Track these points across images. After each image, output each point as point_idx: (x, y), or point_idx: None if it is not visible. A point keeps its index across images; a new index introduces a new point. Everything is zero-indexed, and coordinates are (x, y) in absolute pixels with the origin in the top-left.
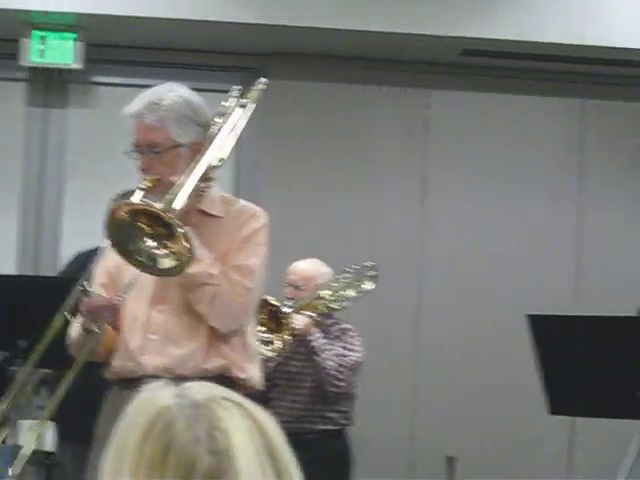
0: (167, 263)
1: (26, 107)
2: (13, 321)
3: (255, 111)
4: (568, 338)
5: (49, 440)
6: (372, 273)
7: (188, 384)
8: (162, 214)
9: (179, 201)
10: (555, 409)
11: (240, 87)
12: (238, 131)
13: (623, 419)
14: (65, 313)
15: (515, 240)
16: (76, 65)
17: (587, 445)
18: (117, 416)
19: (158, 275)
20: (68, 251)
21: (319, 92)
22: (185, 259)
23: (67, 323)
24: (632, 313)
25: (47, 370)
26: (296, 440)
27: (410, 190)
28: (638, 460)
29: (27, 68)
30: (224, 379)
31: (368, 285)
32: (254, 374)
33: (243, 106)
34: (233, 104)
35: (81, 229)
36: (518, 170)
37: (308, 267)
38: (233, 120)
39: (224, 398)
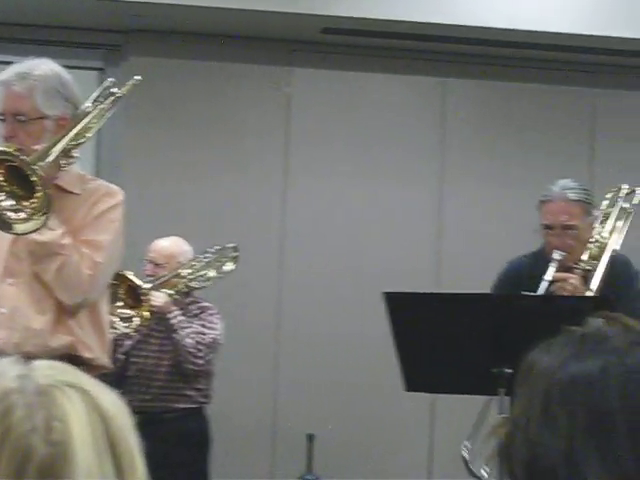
0: (18, 223)
1: None
2: None
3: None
4: (423, 315)
5: None
6: (233, 254)
7: (37, 363)
8: (29, 164)
9: (50, 157)
10: (411, 386)
11: (114, 79)
12: (106, 116)
13: (478, 395)
14: None
15: (377, 218)
16: None
17: (447, 423)
18: None
19: (4, 231)
20: None
21: (182, 69)
22: (38, 220)
23: None
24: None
25: None
26: (154, 419)
27: (272, 169)
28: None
29: None
30: (70, 358)
31: (229, 266)
32: (102, 354)
33: (113, 95)
34: (105, 93)
35: None
36: (380, 147)
37: (169, 245)
38: (103, 106)
39: (68, 384)
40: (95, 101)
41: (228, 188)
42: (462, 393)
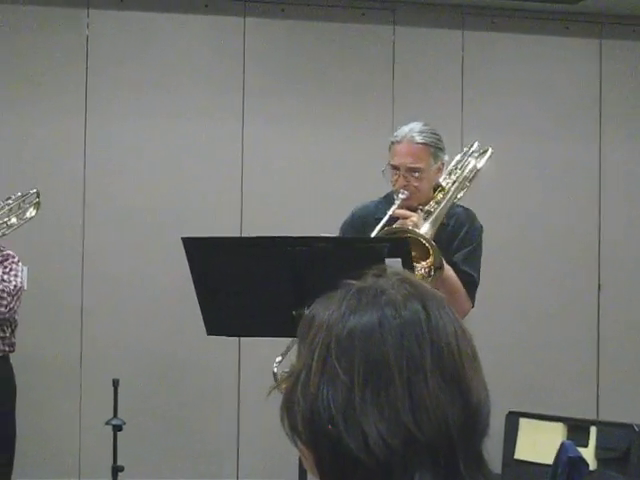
0: None
1: None
2: None
3: None
4: (222, 260)
5: None
6: (35, 200)
7: None
8: None
9: None
10: (212, 330)
11: None
12: None
13: (280, 337)
14: None
15: (181, 157)
16: None
17: (254, 364)
18: None
19: None
20: None
21: None
22: None
23: None
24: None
25: None
26: None
27: (72, 112)
28: None
29: None
30: None
31: (31, 212)
32: None
33: None
34: None
35: None
36: (182, 87)
37: None
38: None
39: None
40: None
41: (28, 132)
42: (264, 336)
